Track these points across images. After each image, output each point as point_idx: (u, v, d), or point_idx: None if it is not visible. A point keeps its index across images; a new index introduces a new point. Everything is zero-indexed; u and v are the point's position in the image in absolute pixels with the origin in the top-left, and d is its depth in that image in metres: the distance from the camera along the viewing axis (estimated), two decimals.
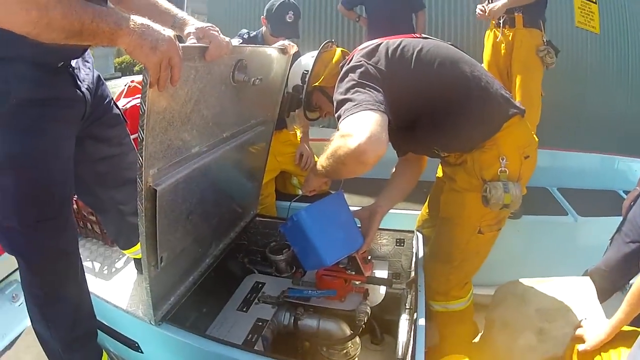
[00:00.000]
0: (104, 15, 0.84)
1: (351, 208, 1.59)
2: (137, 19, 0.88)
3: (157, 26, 0.90)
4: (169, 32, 0.91)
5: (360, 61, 1.33)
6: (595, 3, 3.92)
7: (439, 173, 1.75)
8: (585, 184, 2.95)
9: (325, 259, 1.42)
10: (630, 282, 1.78)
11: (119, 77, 16.79)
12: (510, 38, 2.65)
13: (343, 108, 1.20)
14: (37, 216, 1.19)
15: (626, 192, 2.78)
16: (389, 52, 1.37)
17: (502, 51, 2.71)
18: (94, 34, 0.85)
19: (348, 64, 1.37)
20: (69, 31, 0.82)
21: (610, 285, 1.85)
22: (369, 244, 1.65)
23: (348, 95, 1.22)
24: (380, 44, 1.41)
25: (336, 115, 1.24)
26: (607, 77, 4.01)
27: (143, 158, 1.01)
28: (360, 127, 1.09)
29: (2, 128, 1.08)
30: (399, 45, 1.38)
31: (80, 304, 1.40)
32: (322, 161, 1.26)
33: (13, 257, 1.29)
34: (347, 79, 1.29)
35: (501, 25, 2.66)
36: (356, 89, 1.23)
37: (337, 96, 1.26)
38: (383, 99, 1.20)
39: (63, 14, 0.79)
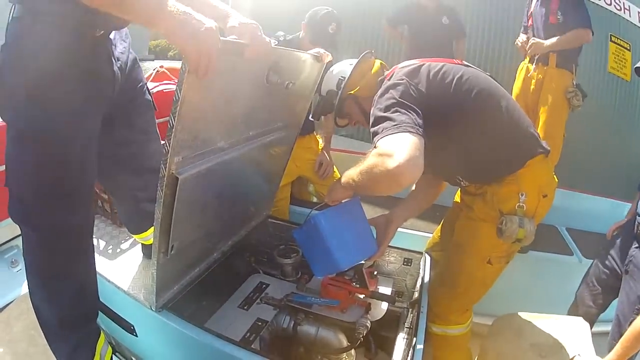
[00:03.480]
0: None
1: None
2: (179, 6, 0.88)
3: (199, 15, 0.89)
4: (210, 23, 0.89)
5: (403, 79, 1.32)
6: (629, 51, 3.94)
7: (457, 198, 1.75)
8: (594, 227, 2.93)
9: (340, 262, 1.41)
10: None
11: (152, 60, 16.32)
12: (541, 76, 2.69)
13: (381, 126, 1.19)
14: (53, 191, 1.17)
15: None
16: (430, 74, 1.35)
17: (532, 87, 2.74)
18: (133, 9, 0.86)
19: (389, 79, 1.36)
20: None
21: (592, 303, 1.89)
22: (383, 252, 1.65)
23: (388, 114, 1.20)
24: (422, 65, 1.39)
25: (372, 130, 1.23)
26: (632, 124, 4.01)
27: (170, 145, 1.01)
28: (399, 148, 1.09)
29: (30, 100, 1.06)
30: (440, 69, 1.37)
31: (85, 283, 1.37)
32: (353, 175, 1.25)
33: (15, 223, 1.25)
34: (387, 96, 1.27)
35: (535, 61, 2.70)
36: (396, 108, 1.22)
37: (377, 112, 1.25)
38: (422, 122, 1.19)
39: None
